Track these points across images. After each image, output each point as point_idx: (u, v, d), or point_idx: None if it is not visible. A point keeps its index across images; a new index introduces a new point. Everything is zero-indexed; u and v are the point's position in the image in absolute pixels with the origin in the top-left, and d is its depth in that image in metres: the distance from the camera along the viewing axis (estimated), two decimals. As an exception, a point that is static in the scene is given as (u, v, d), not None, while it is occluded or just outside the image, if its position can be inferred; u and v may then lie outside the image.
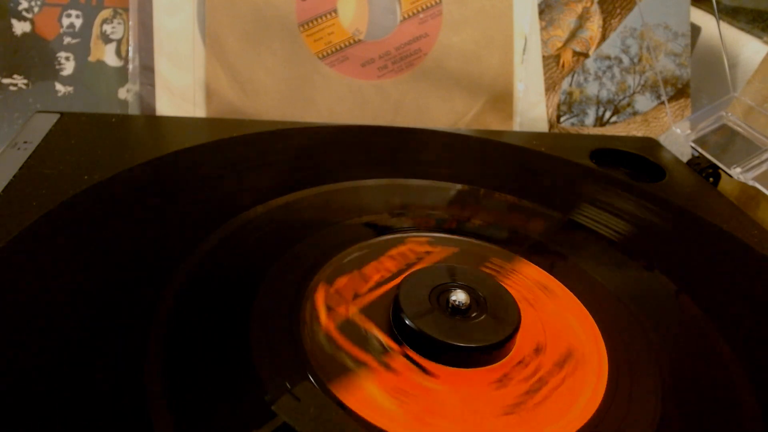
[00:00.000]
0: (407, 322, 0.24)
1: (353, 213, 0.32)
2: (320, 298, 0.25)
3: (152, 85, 0.43)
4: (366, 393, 0.22)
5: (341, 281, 0.27)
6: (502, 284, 0.27)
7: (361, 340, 0.24)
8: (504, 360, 0.24)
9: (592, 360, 0.24)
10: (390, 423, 0.21)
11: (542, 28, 0.49)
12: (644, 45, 0.51)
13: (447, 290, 0.25)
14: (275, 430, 0.18)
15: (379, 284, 0.27)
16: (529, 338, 0.25)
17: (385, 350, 0.24)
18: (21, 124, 0.42)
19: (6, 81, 0.43)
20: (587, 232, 0.33)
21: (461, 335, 0.23)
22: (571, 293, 0.28)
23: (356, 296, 0.26)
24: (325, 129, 0.41)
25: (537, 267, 0.30)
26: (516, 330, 0.24)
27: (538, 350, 0.25)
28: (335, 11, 0.45)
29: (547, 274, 0.29)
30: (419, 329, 0.23)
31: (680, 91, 0.51)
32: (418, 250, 0.29)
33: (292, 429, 0.18)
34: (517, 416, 0.22)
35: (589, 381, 0.23)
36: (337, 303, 0.25)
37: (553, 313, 0.27)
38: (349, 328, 0.24)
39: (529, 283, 0.28)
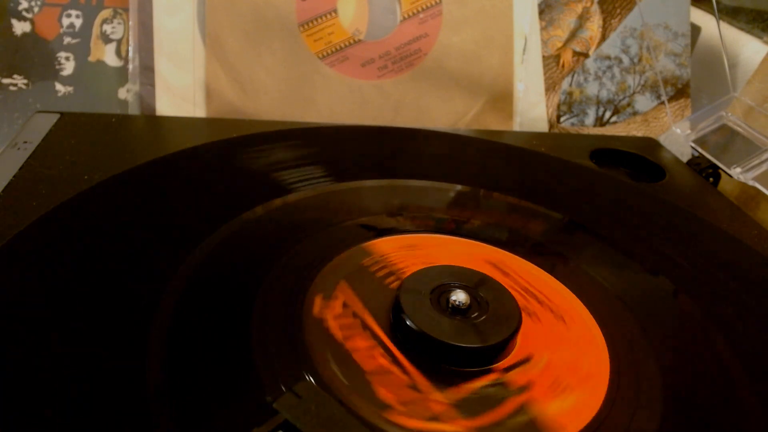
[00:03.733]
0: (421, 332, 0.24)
1: (353, 213, 0.32)
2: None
3: (152, 85, 0.43)
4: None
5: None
6: (497, 279, 0.27)
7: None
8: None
9: (592, 359, 0.25)
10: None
11: (542, 28, 0.49)
12: (644, 45, 0.51)
13: (447, 290, 0.25)
14: (277, 428, 0.18)
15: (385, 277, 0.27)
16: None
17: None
18: (21, 124, 0.42)
19: (6, 81, 0.43)
20: (587, 232, 0.33)
21: (464, 335, 0.23)
22: (571, 292, 0.28)
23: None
24: (325, 129, 0.41)
25: (488, 245, 0.31)
26: (517, 328, 0.24)
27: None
28: (335, 11, 0.45)
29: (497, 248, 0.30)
30: (420, 329, 0.23)
31: (680, 91, 0.51)
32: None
33: (293, 426, 0.18)
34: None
35: (589, 377, 0.24)
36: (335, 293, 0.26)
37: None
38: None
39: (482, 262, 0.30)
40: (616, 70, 0.51)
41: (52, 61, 0.43)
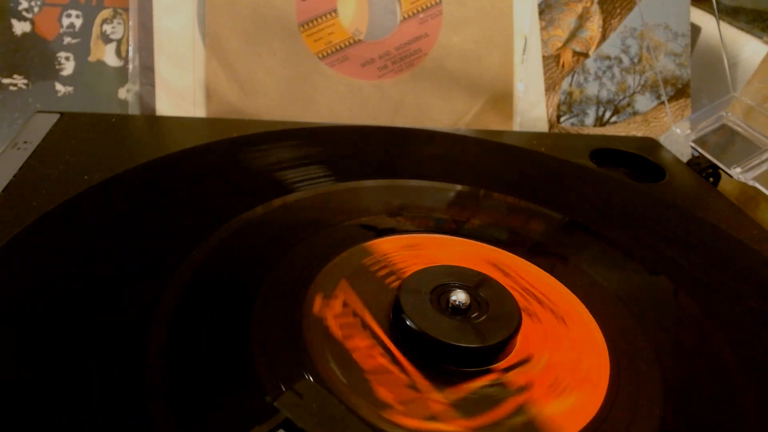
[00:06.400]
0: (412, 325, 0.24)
1: (353, 214, 0.32)
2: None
3: (152, 85, 0.43)
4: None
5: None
6: (501, 281, 0.27)
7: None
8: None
9: (592, 359, 0.25)
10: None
11: (542, 28, 0.49)
12: (644, 45, 0.51)
13: (447, 290, 0.25)
14: (277, 426, 0.18)
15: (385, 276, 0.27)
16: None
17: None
18: (21, 124, 0.42)
19: (6, 81, 0.43)
20: (587, 232, 0.33)
21: (464, 335, 0.23)
22: (571, 292, 0.28)
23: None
24: (325, 129, 0.41)
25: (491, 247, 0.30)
26: (516, 330, 0.24)
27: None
28: (335, 11, 0.45)
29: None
30: (422, 331, 0.23)
31: (680, 91, 0.51)
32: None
33: (294, 425, 0.18)
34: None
35: (589, 378, 0.24)
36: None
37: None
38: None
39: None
40: (616, 70, 0.51)
41: (52, 61, 0.43)
